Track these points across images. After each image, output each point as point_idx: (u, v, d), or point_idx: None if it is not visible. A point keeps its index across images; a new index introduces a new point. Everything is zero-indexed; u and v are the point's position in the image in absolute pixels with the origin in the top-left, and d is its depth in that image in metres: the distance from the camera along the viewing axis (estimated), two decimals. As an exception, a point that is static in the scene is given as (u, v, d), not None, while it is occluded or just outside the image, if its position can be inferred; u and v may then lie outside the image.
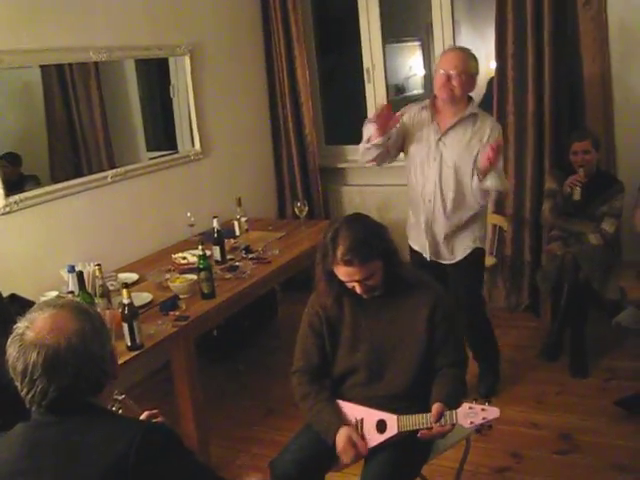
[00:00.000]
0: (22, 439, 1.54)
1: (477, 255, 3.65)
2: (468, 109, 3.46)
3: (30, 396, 1.51)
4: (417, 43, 6.17)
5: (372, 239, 2.36)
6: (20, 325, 1.55)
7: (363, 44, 5.32)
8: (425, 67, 6.11)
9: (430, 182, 3.50)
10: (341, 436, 2.31)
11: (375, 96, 5.33)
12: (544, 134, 4.54)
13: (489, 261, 4.55)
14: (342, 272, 2.36)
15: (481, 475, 3.16)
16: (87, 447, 1.48)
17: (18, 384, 1.53)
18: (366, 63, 5.34)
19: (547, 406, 3.69)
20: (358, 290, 2.39)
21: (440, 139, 3.48)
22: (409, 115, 3.60)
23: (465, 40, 5.46)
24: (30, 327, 1.53)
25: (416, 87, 6.22)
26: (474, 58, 3.46)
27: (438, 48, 4.98)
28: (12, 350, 1.52)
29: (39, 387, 1.50)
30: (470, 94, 3.50)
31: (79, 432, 1.51)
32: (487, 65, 5.07)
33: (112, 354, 1.67)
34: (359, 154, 3.67)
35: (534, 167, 4.60)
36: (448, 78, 3.38)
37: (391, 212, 5.13)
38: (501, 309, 4.86)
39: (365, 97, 5.43)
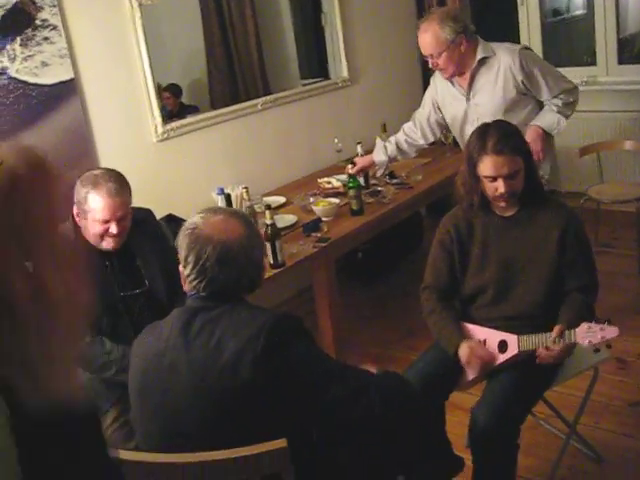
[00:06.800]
0: (177, 320, 1.79)
1: None
2: (477, 57, 3.29)
3: (197, 282, 1.76)
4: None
5: (520, 136, 2.49)
6: (194, 220, 1.80)
7: (517, -36, 5.10)
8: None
9: None
10: (464, 349, 2.38)
11: (528, 19, 5.13)
12: None
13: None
14: (490, 164, 2.37)
15: (613, 407, 3.12)
16: (228, 329, 1.70)
17: (187, 270, 1.77)
18: (519, -16, 5.13)
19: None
20: (501, 189, 2.38)
21: (469, 99, 3.39)
22: (435, 89, 3.58)
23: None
24: (205, 224, 1.77)
25: (578, 8, 5.88)
26: (444, 24, 3.21)
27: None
28: (184, 239, 1.78)
29: (209, 275, 1.74)
30: (474, 37, 3.31)
31: (225, 317, 1.73)
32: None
33: (264, 265, 1.92)
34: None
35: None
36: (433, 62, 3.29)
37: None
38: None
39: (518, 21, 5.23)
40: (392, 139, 3.80)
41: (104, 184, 2.41)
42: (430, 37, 3.23)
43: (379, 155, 3.79)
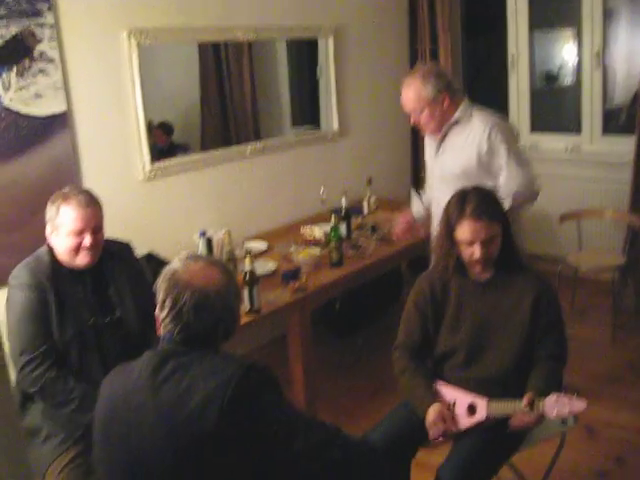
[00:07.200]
0: (147, 363, 1.78)
1: None
2: (454, 117, 3.22)
3: (172, 326, 1.76)
4: (570, 31, 5.96)
5: (498, 202, 2.53)
6: (175, 266, 1.81)
7: (509, 30, 5.25)
8: (578, 55, 5.91)
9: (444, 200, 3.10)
10: (432, 410, 2.38)
11: (518, 85, 5.25)
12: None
13: (618, 260, 4.41)
14: (468, 229, 2.40)
15: (580, 476, 3.11)
16: (197, 376, 1.70)
17: (163, 313, 1.77)
18: (511, 50, 5.28)
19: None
20: (477, 255, 2.41)
21: (437, 154, 3.34)
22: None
23: (622, 32, 5.24)
24: (184, 270, 1.79)
25: (567, 76, 6.03)
26: (426, 80, 3.15)
27: (587, 39, 4.86)
28: (162, 283, 1.79)
29: (185, 320, 1.74)
30: (459, 95, 3.27)
31: (196, 364, 1.72)
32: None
33: (239, 314, 1.92)
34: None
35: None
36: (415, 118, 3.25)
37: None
38: (629, 312, 4.68)
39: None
40: (427, 188, 3.65)
41: (74, 197, 2.43)
42: (412, 94, 3.18)
43: (418, 208, 3.64)
